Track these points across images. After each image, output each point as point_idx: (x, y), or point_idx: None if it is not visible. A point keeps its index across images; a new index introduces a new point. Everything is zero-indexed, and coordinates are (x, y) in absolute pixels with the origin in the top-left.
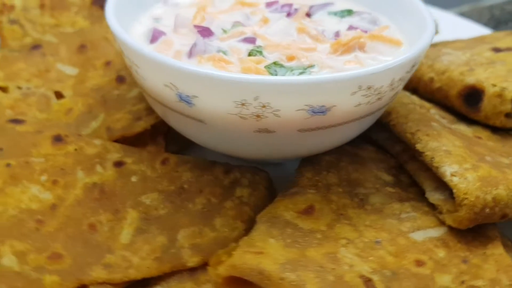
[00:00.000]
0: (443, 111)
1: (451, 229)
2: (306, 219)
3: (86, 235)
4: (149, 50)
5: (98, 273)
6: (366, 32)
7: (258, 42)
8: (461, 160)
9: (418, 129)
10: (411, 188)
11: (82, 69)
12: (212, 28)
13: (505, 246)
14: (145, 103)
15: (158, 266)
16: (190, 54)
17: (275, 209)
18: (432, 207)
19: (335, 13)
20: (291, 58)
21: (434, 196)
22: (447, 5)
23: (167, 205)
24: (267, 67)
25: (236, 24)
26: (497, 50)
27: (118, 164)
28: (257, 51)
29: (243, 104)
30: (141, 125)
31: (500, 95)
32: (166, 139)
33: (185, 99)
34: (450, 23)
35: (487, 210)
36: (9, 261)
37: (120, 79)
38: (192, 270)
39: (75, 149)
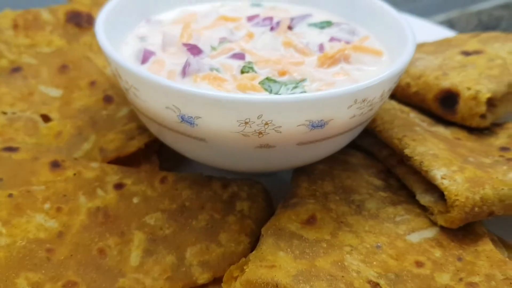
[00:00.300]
0: (421, 114)
1: (443, 229)
2: (310, 229)
3: (97, 260)
4: (150, 74)
5: None
6: (348, 43)
7: (247, 58)
8: (448, 163)
9: (404, 135)
10: (401, 191)
11: (66, 90)
12: (200, 45)
13: (493, 241)
14: (136, 122)
15: (171, 285)
16: (184, 73)
17: (278, 221)
18: (423, 208)
19: (315, 25)
20: (282, 73)
21: (425, 199)
22: (435, 11)
23: (172, 224)
24: (261, 83)
25: (222, 40)
26: (466, 53)
27: (119, 186)
28: (249, 67)
29: (246, 123)
30: (135, 145)
31: (475, 98)
32: (159, 157)
33: (188, 120)
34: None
35: (476, 209)
36: None
37: (108, 99)
38: (203, 286)
39: (74, 174)
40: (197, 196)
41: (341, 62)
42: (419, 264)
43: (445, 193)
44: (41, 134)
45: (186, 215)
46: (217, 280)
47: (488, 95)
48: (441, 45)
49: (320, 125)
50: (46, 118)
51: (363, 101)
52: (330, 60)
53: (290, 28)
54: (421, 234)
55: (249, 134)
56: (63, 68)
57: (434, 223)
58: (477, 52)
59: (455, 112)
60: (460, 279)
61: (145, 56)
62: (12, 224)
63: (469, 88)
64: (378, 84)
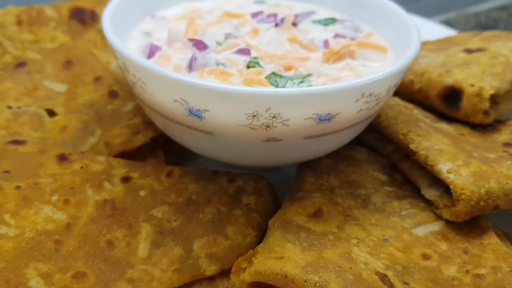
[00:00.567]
0: (424, 111)
1: (448, 222)
2: (317, 222)
3: (105, 252)
4: (159, 67)
5: None
6: (352, 39)
7: (253, 53)
8: (453, 158)
9: (409, 130)
10: (405, 186)
11: (71, 85)
12: (205, 41)
13: (497, 235)
14: (141, 116)
15: (179, 277)
16: (191, 68)
17: (285, 214)
18: (428, 202)
19: (319, 22)
20: (288, 68)
21: (430, 193)
22: (434, 12)
23: (178, 216)
24: (268, 77)
25: (227, 36)
26: (469, 51)
27: (125, 179)
28: (255, 62)
29: (254, 116)
30: (140, 139)
31: (478, 94)
32: (164, 152)
33: (195, 113)
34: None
35: (482, 203)
36: (36, 283)
37: (113, 94)
38: (211, 278)
39: (81, 167)
40: (203, 190)
41: (346, 58)
42: (425, 256)
43: (451, 187)
44: (46, 129)
45: (192, 208)
46: (225, 272)
47: (491, 91)
48: (443, 43)
49: (327, 118)
50: (51, 113)
51: (370, 95)
52: (335, 56)
53: (294, 24)
54: (427, 228)
55: (256, 127)
56: (68, 64)
57: (439, 217)
58: (479, 50)
59: (459, 109)
60: (467, 271)
61: (151, 51)
62: (20, 216)
63: (472, 85)
64: (385, 78)
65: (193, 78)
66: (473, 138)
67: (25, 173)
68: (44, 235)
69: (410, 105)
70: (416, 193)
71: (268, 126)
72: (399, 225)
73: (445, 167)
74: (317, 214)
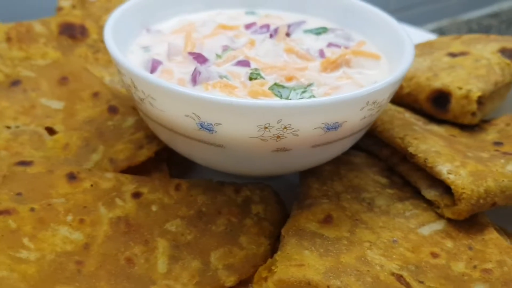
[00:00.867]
0: (414, 114)
1: (450, 221)
2: (329, 228)
3: (126, 270)
4: (170, 83)
5: None
6: (347, 48)
7: (252, 65)
8: (451, 159)
9: (406, 134)
10: (405, 187)
11: (68, 102)
12: (204, 54)
13: (496, 230)
14: (143, 131)
15: None
16: (195, 81)
17: (297, 221)
18: (429, 203)
19: (311, 31)
20: (289, 79)
21: (430, 194)
22: (426, 20)
23: (192, 229)
24: (271, 88)
25: (225, 48)
26: (452, 55)
27: (136, 195)
28: (256, 74)
29: (266, 128)
30: (145, 154)
31: (466, 97)
32: (168, 165)
33: (207, 127)
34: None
35: (481, 200)
36: None
37: (113, 109)
38: None
39: (91, 185)
40: (212, 202)
41: (343, 66)
42: (434, 255)
43: (452, 187)
44: (47, 147)
45: (204, 220)
46: (242, 282)
47: (479, 93)
48: (425, 47)
49: (335, 127)
50: (51, 131)
51: (374, 102)
52: (332, 65)
53: (288, 35)
54: (431, 227)
55: (267, 138)
56: (63, 80)
57: (440, 216)
58: (462, 54)
59: (447, 111)
60: (474, 267)
61: (154, 66)
62: (39, 238)
63: (460, 88)
64: (388, 86)
65: (206, 93)
66: (463, 138)
67: (37, 194)
68: (64, 256)
69: (401, 109)
70: (416, 194)
71: (278, 137)
72: (405, 226)
73: (445, 168)
74: (327, 220)
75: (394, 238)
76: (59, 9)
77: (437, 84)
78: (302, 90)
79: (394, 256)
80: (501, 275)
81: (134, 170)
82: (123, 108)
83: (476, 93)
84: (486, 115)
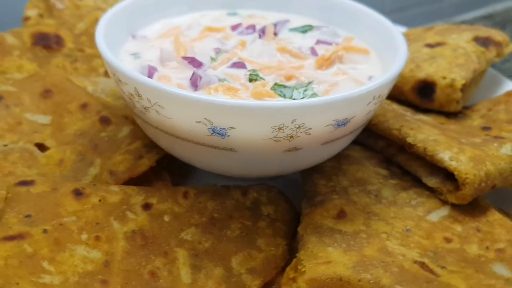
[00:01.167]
0: (400, 105)
1: (453, 206)
2: (345, 223)
3: (151, 284)
4: (181, 90)
5: None
6: (337, 44)
7: (248, 66)
8: (449, 146)
9: (401, 125)
10: (405, 177)
11: (55, 115)
12: (197, 58)
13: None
14: (141, 140)
15: None
16: (196, 86)
17: (312, 219)
18: (430, 190)
19: (296, 29)
20: (289, 78)
21: (432, 181)
22: (419, 22)
23: (208, 237)
24: (272, 89)
25: (217, 51)
26: (430, 46)
27: (146, 206)
28: (255, 75)
29: (280, 128)
30: (146, 163)
31: (451, 85)
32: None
33: (219, 132)
34: None
35: (483, 184)
36: None
37: (104, 120)
38: None
39: (99, 200)
40: (222, 207)
41: (336, 63)
42: (448, 240)
43: (455, 173)
44: (40, 164)
45: (218, 226)
46: (266, 284)
47: (463, 81)
48: None
49: (344, 123)
50: (42, 147)
51: (378, 97)
52: (327, 62)
53: (275, 34)
54: (438, 213)
55: (280, 139)
56: (46, 93)
57: (444, 202)
58: (439, 44)
59: (433, 100)
60: (487, 248)
61: (150, 72)
62: (58, 261)
63: (444, 77)
64: (392, 80)
65: (219, 98)
66: (452, 125)
67: (47, 215)
68: (87, 277)
69: (388, 101)
70: (416, 182)
71: (291, 137)
72: (414, 215)
73: (446, 156)
74: (341, 215)
75: (408, 227)
76: (26, 18)
77: (421, 75)
78: (304, 88)
79: (412, 245)
80: None
81: (135, 181)
82: (115, 118)
83: (460, 81)
84: (466, 101)
